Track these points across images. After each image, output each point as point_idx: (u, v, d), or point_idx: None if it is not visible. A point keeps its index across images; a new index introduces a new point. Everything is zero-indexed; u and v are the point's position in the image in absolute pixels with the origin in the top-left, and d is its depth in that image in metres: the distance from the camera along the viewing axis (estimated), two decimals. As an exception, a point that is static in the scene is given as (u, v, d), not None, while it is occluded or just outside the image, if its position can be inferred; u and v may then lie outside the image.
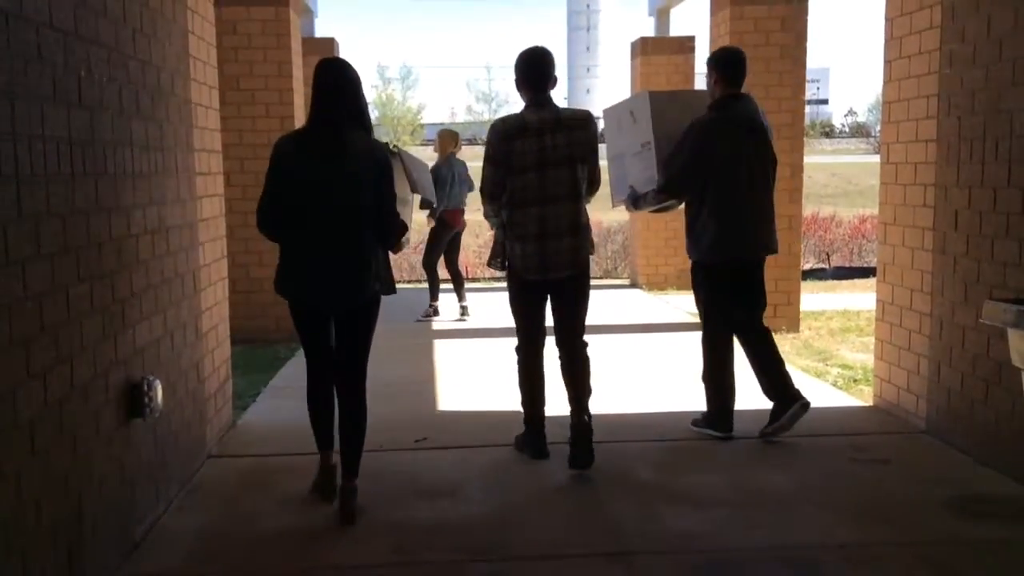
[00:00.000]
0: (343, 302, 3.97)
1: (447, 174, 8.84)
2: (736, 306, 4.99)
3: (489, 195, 4.60)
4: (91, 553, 3.23)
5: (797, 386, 5.05)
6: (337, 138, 3.89)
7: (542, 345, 4.71)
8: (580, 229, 4.52)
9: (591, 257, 4.67)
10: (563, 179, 4.46)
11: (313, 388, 4.20)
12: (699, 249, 4.92)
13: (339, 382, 4.10)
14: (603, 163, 4.65)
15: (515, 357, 4.79)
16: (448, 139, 9.09)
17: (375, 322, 4.10)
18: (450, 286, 9.41)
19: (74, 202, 3.14)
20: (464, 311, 9.21)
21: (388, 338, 6.45)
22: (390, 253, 4.14)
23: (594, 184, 4.62)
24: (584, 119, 4.56)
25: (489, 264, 4.81)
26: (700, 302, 5.13)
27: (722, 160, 4.75)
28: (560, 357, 4.68)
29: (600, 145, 4.70)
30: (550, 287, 4.60)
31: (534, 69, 4.53)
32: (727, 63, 4.88)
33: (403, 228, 4.08)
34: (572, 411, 4.58)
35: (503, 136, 4.47)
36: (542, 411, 4.76)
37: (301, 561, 3.59)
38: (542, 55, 4.57)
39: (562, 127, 4.45)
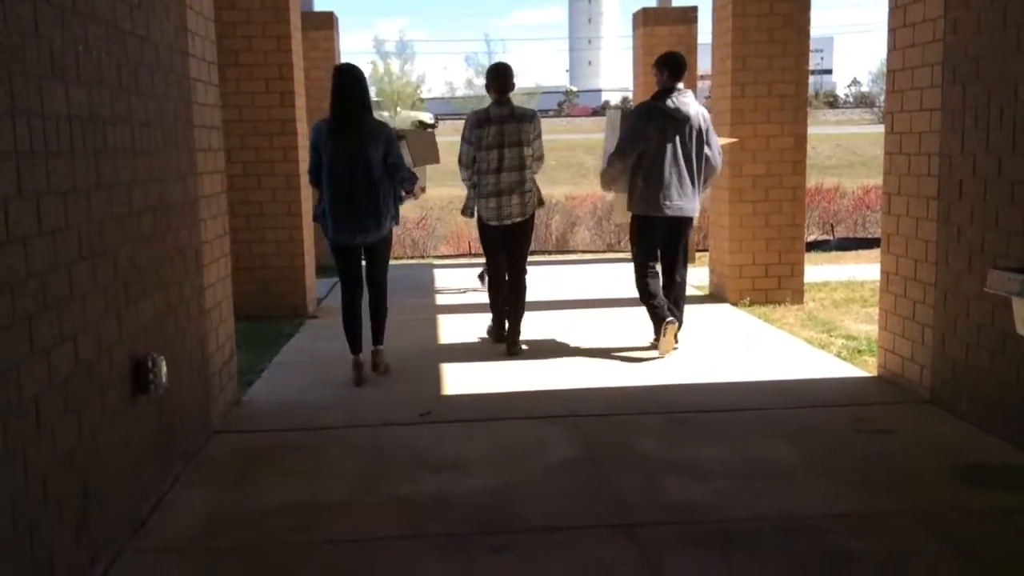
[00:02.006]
0: (366, 237, 5.67)
1: None
2: (661, 254, 6.46)
3: (464, 165, 6.50)
4: (98, 529, 3.25)
5: (681, 314, 6.54)
6: (351, 123, 5.53)
7: (503, 268, 6.71)
8: (525, 191, 6.42)
9: (537, 210, 6.72)
10: (514, 156, 6.34)
11: (346, 306, 5.86)
12: (631, 203, 6.36)
13: (370, 292, 5.95)
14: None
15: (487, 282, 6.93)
16: None
17: (390, 249, 6.01)
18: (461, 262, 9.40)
19: (75, 179, 3.13)
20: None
21: (390, 314, 6.45)
22: (403, 196, 5.91)
23: (539, 160, 6.52)
24: (531, 115, 6.47)
25: (462, 213, 6.94)
26: (632, 243, 6.60)
27: (651, 135, 6.16)
28: (508, 279, 6.67)
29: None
30: (504, 229, 6.49)
31: (500, 79, 6.42)
32: (669, 63, 6.28)
33: (411, 177, 5.79)
34: (509, 318, 6.63)
35: (475, 124, 6.37)
36: (503, 311, 6.73)
37: (307, 535, 3.61)
38: (506, 69, 6.47)
39: (515, 119, 6.34)
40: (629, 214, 6.47)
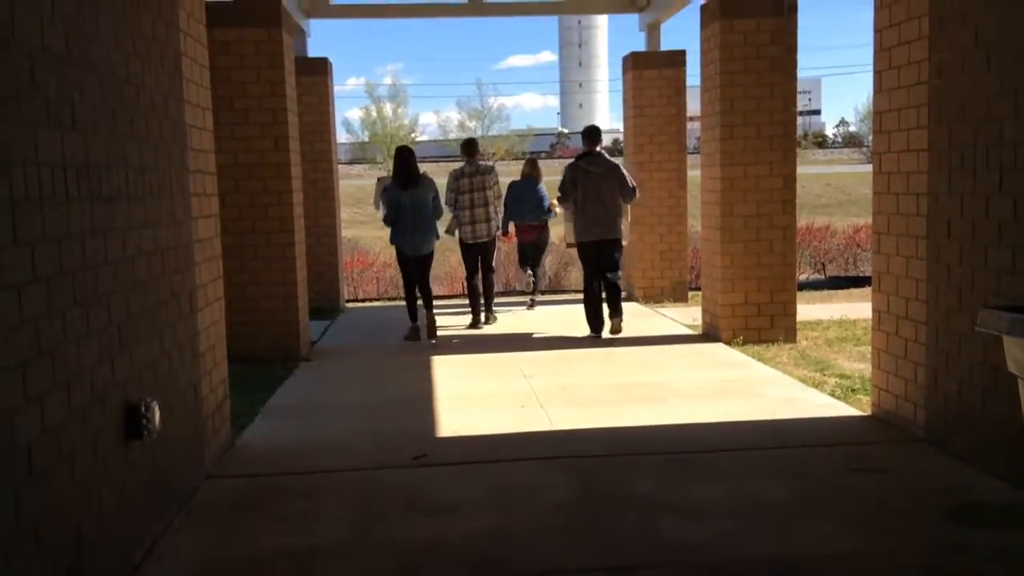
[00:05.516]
0: (419, 251, 8.90)
1: (516, 193, 10.70)
2: (597, 267, 8.80)
3: (448, 204, 9.59)
4: (91, 575, 3.22)
5: (610, 324, 8.83)
6: (410, 181, 8.83)
7: (477, 270, 9.78)
8: (490, 219, 9.61)
9: (497, 232, 9.97)
10: (480, 197, 9.54)
11: (407, 292, 9.10)
12: (573, 233, 8.95)
13: (420, 287, 9.03)
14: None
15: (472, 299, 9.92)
16: (524, 166, 11.29)
17: (432, 260, 9.17)
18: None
19: (69, 225, 3.14)
20: (531, 304, 11.19)
21: (385, 355, 6.46)
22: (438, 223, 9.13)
23: (498, 198, 9.80)
24: (490, 169, 9.84)
25: (446, 231, 9.72)
26: (581, 263, 9.14)
27: (578, 184, 8.71)
28: (481, 278, 9.81)
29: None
30: (477, 245, 9.69)
31: (469, 148, 9.89)
32: (586, 134, 9.01)
33: (441, 212, 9.10)
34: (485, 301, 9.84)
35: (455, 178, 9.65)
36: (480, 306, 9.80)
37: (301, 581, 3.58)
38: (472, 142, 10.09)
39: (480, 173, 9.63)
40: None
